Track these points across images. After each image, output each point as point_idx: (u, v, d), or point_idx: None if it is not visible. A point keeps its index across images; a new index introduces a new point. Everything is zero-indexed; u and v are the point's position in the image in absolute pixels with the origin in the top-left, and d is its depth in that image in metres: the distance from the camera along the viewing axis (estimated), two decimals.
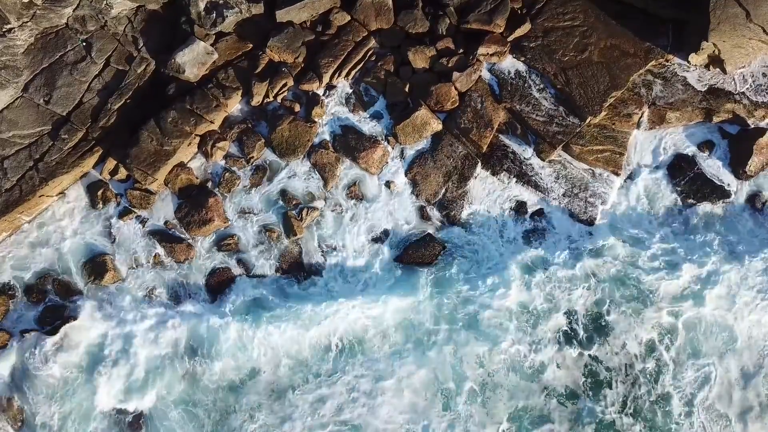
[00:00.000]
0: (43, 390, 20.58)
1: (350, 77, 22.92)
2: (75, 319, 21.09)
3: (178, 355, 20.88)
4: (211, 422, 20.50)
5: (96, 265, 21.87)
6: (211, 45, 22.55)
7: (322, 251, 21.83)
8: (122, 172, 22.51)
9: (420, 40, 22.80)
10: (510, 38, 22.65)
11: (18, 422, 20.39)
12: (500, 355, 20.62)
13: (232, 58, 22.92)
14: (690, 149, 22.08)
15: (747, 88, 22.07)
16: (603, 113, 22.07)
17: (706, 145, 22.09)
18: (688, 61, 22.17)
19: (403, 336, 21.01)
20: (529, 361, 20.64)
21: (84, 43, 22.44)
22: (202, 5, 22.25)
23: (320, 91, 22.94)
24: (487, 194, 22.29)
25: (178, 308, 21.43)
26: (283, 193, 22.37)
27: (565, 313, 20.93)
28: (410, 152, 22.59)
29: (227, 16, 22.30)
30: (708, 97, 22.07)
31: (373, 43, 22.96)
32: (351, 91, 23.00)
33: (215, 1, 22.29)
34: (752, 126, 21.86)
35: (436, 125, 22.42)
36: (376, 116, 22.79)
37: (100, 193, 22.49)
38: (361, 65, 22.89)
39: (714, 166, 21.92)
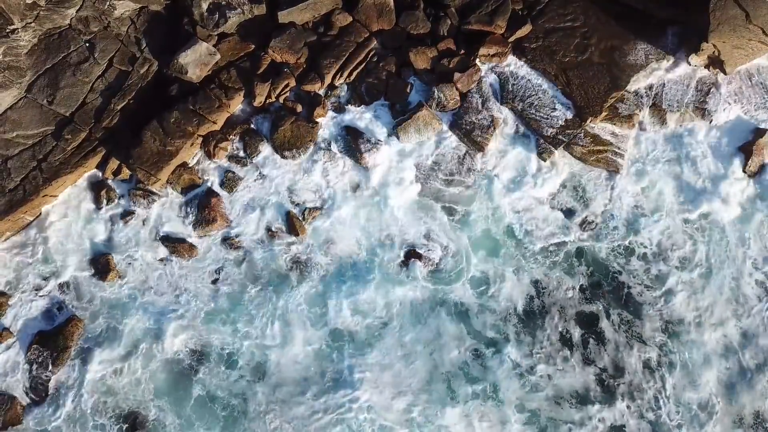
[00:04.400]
0: None
1: (352, 78, 23.01)
2: None
3: None
4: None
5: None
6: (214, 46, 22.63)
7: None
8: (125, 172, 22.63)
9: (421, 40, 22.90)
10: (511, 39, 22.74)
11: None
12: None
13: (235, 59, 23.01)
14: None
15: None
16: (603, 114, 22.18)
17: None
18: (689, 62, 22.27)
19: None
20: None
21: (87, 44, 22.52)
22: (204, 6, 22.35)
23: (322, 92, 23.03)
24: None
25: None
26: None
27: None
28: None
29: (230, 17, 22.39)
30: (709, 98, 22.23)
31: (374, 44, 23.05)
32: (353, 91, 23.09)
33: (218, 2, 22.38)
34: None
35: (438, 125, 22.53)
36: (378, 117, 22.89)
37: (103, 192, 22.61)
38: (362, 66, 22.97)
39: None
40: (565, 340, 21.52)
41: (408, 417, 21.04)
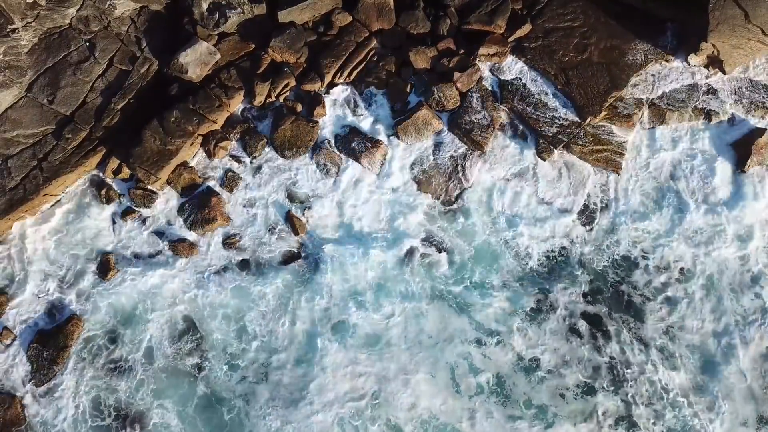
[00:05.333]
0: None
1: (352, 77, 23.05)
2: None
3: None
4: None
5: None
6: (214, 45, 22.68)
7: None
8: (125, 172, 22.66)
9: (421, 40, 22.95)
10: (510, 39, 22.79)
11: None
12: None
13: (235, 59, 23.06)
14: None
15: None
16: (603, 113, 22.22)
17: None
18: (688, 62, 22.32)
19: None
20: None
21: (87, 44, 22.57)
22: (205, 6, 22.39)
23: (322, 91, 23.08)
24: None
25: None
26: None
27: None
28: (412, 151, 22.80)
29: (230, 17, 22.44)
30: (708, 97, 22.29)
31: (374, 43, 23.09)
32: (353, 91, 23.13)
33: (218, 1, 22.43)
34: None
35: (438, 125, 22.57)
36: (378, 116, 22.92)
37: (103, 192, 22.64)
38: (362, 65, 23.02)
39: None
40: (569, 338, 21.59)
41: (413, 415, 21.07)
